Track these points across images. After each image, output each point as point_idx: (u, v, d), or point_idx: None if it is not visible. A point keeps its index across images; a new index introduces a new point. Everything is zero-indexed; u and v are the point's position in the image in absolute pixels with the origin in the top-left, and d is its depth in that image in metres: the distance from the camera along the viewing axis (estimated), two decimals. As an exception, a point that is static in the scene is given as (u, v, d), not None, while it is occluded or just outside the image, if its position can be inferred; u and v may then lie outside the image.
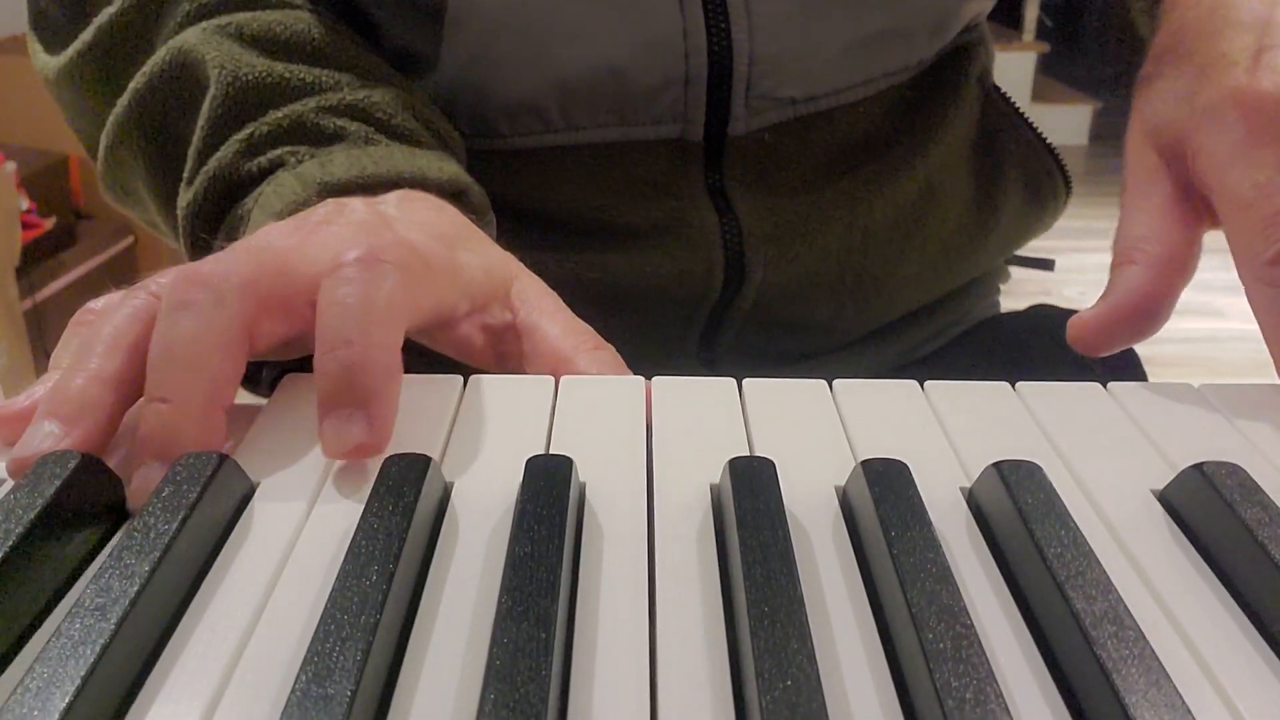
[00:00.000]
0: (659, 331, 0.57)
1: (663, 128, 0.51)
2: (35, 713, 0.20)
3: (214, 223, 0.42)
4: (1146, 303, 0.36)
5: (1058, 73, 3.61)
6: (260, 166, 0.41)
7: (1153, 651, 0.22)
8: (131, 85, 0.44)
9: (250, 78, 0.42)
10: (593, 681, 0.22)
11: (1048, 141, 0.61)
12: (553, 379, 0.34)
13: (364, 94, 0.43)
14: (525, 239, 0.54)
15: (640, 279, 0.54)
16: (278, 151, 0.41)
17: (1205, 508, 0.27)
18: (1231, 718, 0.22)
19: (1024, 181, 0.61)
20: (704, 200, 0.53)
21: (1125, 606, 0.23)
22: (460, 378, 0.34)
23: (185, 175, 0.43)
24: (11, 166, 1.94)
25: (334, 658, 0.21)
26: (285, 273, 0.31)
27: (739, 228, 0.53)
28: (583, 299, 0.55)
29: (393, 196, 0.39)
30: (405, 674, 0.22)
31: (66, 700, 0.20)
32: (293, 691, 0.20)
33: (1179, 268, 0.37)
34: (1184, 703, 0.21)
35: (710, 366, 0.59)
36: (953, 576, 0.24)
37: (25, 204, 1.95)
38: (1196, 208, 0.38)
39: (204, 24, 0.44)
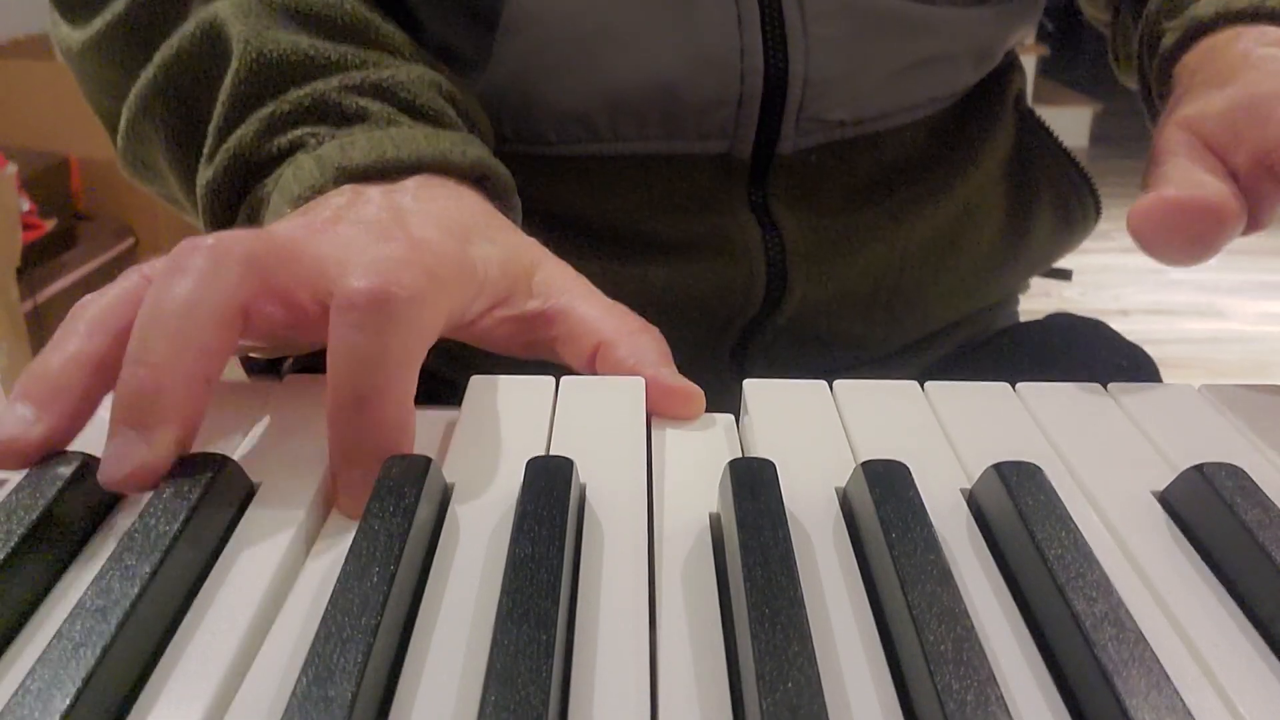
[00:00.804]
0: (693, 342, 0.56)
1: (710, 144, 0.51)
2: (36, 714, 0.20)
3: (234, 201, 0.42)
4: (1215, 205, 0.35)
5: (1058, 75, 3.61)
6: (280, 147, 0.40)
7: (1153, 653, 0.22)
8: (158, 56, 0.44)
9: (275, 53, 0.41)
10: (593, 683, 0.22)
11: (1080, 164, 0.61)
12: (552, 379, 0.34)
13: (389, 73, 0.42)
14: (566, 247, 0.54)
15: (680, 291, 0.54)
16: (299, 132, 0.40)
17: (1206, 509, 0.27)
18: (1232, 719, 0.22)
19: (1056, 204, 0.61)
20: (747, 216, 0.53)
21: (1126, 608, 0.23)
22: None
23: (206, 151, 0.42)
24: (12, 168, 1.94)
25: (335, 659, 0.21)
26: (293, 261, 0.31)
27: (782, 243, 0.53)
28: None
29: (411, 184, 0.38)
30: (406, 675, 0.22)
31: (67, 702, 0.20)
32: (294, 693, 0.20)
33: (1240, 206, 0.35)
34: (1184, 705, 0.21)
35: (740, 378, 0.59)
36: (953, 578, 0.24)
37: (26, 205, 1.96)
38: (1239, 193, 0.37)
39: None
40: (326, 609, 0.22)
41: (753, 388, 0.34)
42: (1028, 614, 0.25)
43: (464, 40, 0.50)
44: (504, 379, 0.34)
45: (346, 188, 0.37)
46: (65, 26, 0.49)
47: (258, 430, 0.31)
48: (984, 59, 0.56)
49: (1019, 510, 0.26)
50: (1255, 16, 0.42)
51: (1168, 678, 0.21)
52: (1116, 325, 0.65)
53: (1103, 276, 2.49)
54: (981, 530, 0.28)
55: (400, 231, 0.34)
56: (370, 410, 0.29)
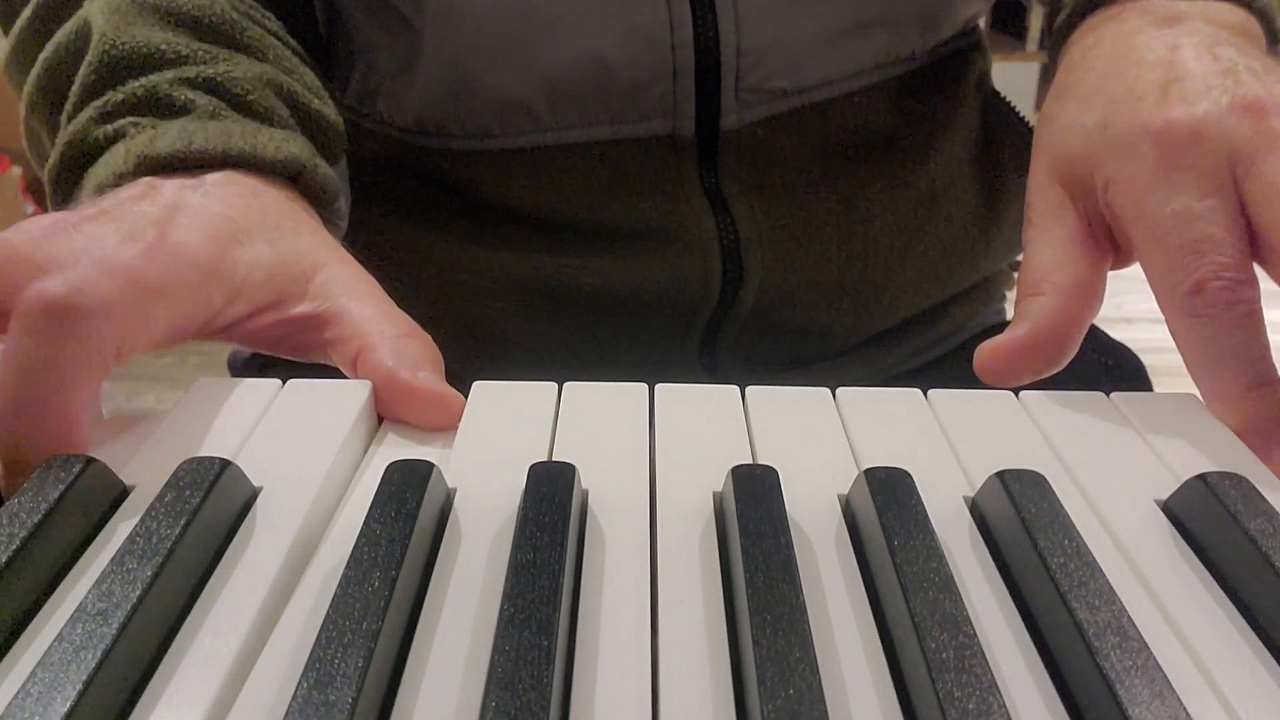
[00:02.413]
0: (659, 337, 0.57)
1: (654, 123, 0.51)
2: (37, 717, 0.20)
3: (71, 188, 0.42)
4: (1056, 331, 0.36)
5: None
6: (107, 135, 0.41)
7: (1156, 662, 0.22)
8: (40, 55, 0.45)
9: (126, 47, 0.42)
10: (594, 689, 0.22)
11: None
12: (555, 385, 0.34)
13: (226, 68, 0.43)
14: (521, 242, 0.54)
15: (638, 284, 0.54)
16: (124, 121, 0.41)
17: (1209, 518, 0.27)
18: (1235, 729, 0.22)
19: (1026, 187, 0.61)
20: (700, 201, 0.53)
21: (1129, 617, 0.23)
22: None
23: (56, 140, 0.43)
24: (17, 171, 1.95)
25: (336, 664, 0.21)
26: (7, 266, 0.31)
27: (735, 231, 0.53)
28: (581, 306, 0.55)
29: (211, 178, 0.38)
30: (407, 681, 0.22)
31: (68, 705, 0.20)
32: (294, 698, 0.20)
33: (1086, 299, 0.36)
34: (1188, 713, 0.21)
35: (711, 372, 0.59)
36: (956, 586, 0.24)
37: (30, 209, 1.96)
38: (1101, 242, 0.37)
39: None
40: (328, 613, 0.22)
41: (756, 396, 0.34)
42: (1030, 622, 0.25)
43: (397, 40, 0.51)
44: (507, 384, 0.34)
45: (144, 180, 0.38)
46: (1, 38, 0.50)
47: (259, 434, 0.31)
48: (930, 25, 0.55)
49: (1022, 518, 0.26)
50: None
51: (1170, 686, 0.21)
52: (1118, 333, 0.64)
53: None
54: (984, 538, 0.28)
55: (153, 232, 0.34)
56: (30, 419, 0.29)
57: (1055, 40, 0.47)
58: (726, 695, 0.22)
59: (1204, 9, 0.40)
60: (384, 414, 0.34)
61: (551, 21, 0.49)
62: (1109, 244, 0.38)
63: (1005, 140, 0.60)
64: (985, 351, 0.36)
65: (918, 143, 0.56)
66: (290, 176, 0.41)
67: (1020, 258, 0.66)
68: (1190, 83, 0.36)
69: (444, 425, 0.33)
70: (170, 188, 0.37)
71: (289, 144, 0.41)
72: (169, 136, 0.39)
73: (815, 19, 0.50)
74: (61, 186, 0.42)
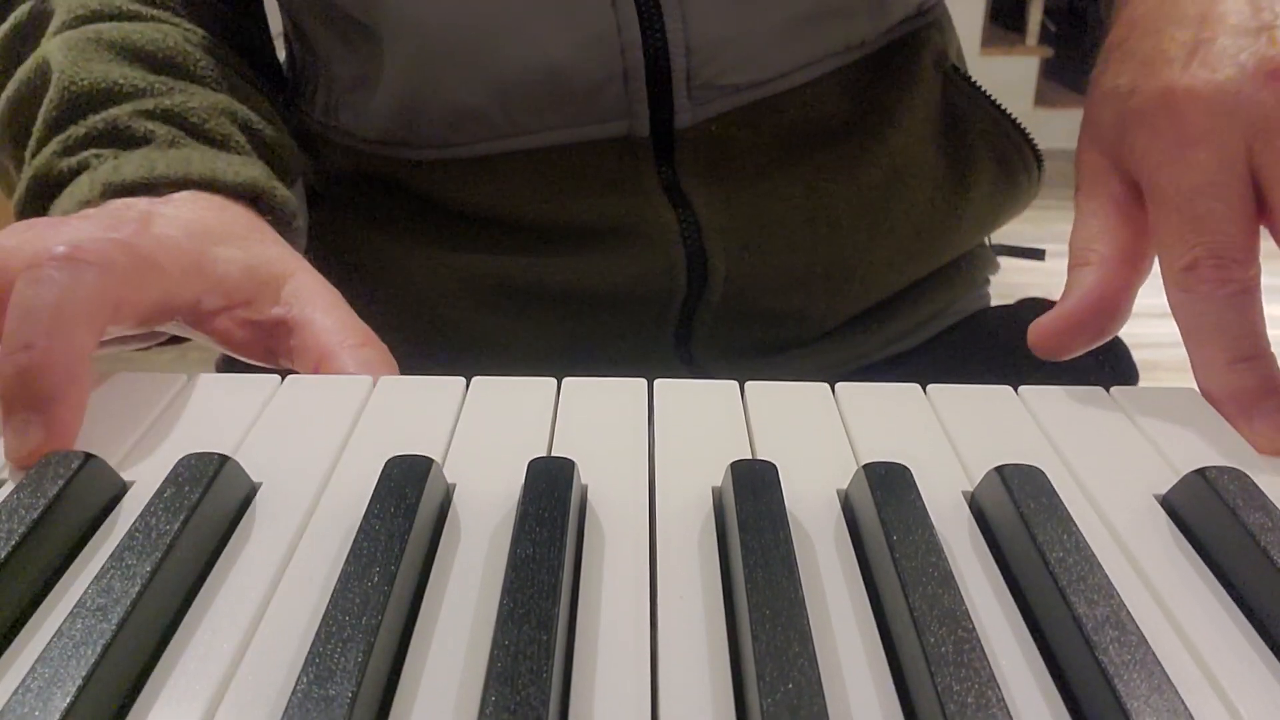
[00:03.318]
0: (632, 331, 0.57)
1: (609, 125, 0.51)
2: (36, 713, 0.20)
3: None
4: (1103, 303, 0.36)
5: (1061, 77, 3.61)
6: (70, 168, 0.42)
7: (1155, 656, 0.22)
8: (3, 94, 0.46)
9: (85, 82, 0.43)
10: (594, 684, 0.22)
11: (1013, 117, 0.61)
12: (554, 381, 0.34)
13: (182, 99, 0.44)
14: (486, 246, 0.54)
15: (605, 281, 0.54)
16: (86, 153, 0.42)
17: (1208, 512, 0.27)
18: (1234, 723, 0.22)
19: (994, 159, 0.61)
20: (659, 197, 0.53)
21: (1127, 611, 0.23)
22: (463, 379, 0.34)
23: (21, 175, 0.44)
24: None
25: (335, 659, 0.21)
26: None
27: (697, 223, 0.53)
28: (551, 304, 0.55)
29: (178, 197, 0.40)
30: (406, 676, 0.22)
31: (68, 700, 0.20)
32: (294, 692, 0.20)
33: (1132, 265, 0.36)
34: (1186, 707, 0.21)
35: (688, 364, 0.59)
36: (954, 580, 0.24)
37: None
38: (1140, 216, 0.37)
39: (69, 33, 0.45)
40: (327, 608, 0.22)
41: (755, 390, 0.34)
42: (1029, 616, 0.25)
43: (357, 54, 0.52)
44: (506, 380, 0.34)
45: (114, 200, 0.39)
46: None
47: (258, 430, 0.31)
48: (880, 10, 0.55)
49: (1021, 513, 0.26)
50: None
51: (1169, 680, 0.21)
52: (1116, 328, 0.64)
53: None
54: (983, 533, 0.28)
55: (135, 224, 0.36)
56: (34, 354, 0.29)
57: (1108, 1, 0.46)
58: (726, 690, 0.22)
59: None
60: None
61: (503, 30, 0.49)
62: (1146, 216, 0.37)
63: (968, 113, 0.60)
64: (1037, 330, 0.37)
65: (875, 124, 0.56)
66: (250, 199, 0.42)
67: (1007, 243, 0.66)
68: (1219, 44, 0.35)
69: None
70: (141, 203, 0.38)
71: (247, 168, 0.43)
72: (131, 164, 0.40)
73: (764, 14, 0.50)
74: (25, 217, 0.43)
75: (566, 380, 0.34)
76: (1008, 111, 0.61)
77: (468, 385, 0.34)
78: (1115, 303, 0.36)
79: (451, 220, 0.55)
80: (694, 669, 0.22)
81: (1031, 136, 0.61)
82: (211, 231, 0.38)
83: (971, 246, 0.64)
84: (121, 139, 0.42)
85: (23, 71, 0.45)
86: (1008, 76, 3.19)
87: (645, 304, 0.55)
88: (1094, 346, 0.37)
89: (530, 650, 0.21)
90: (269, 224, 0.43)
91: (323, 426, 0.31)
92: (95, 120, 0.43)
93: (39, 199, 0.43)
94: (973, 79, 0.61)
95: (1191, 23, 0.37)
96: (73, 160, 0.42)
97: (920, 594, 0.23)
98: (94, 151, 0.42)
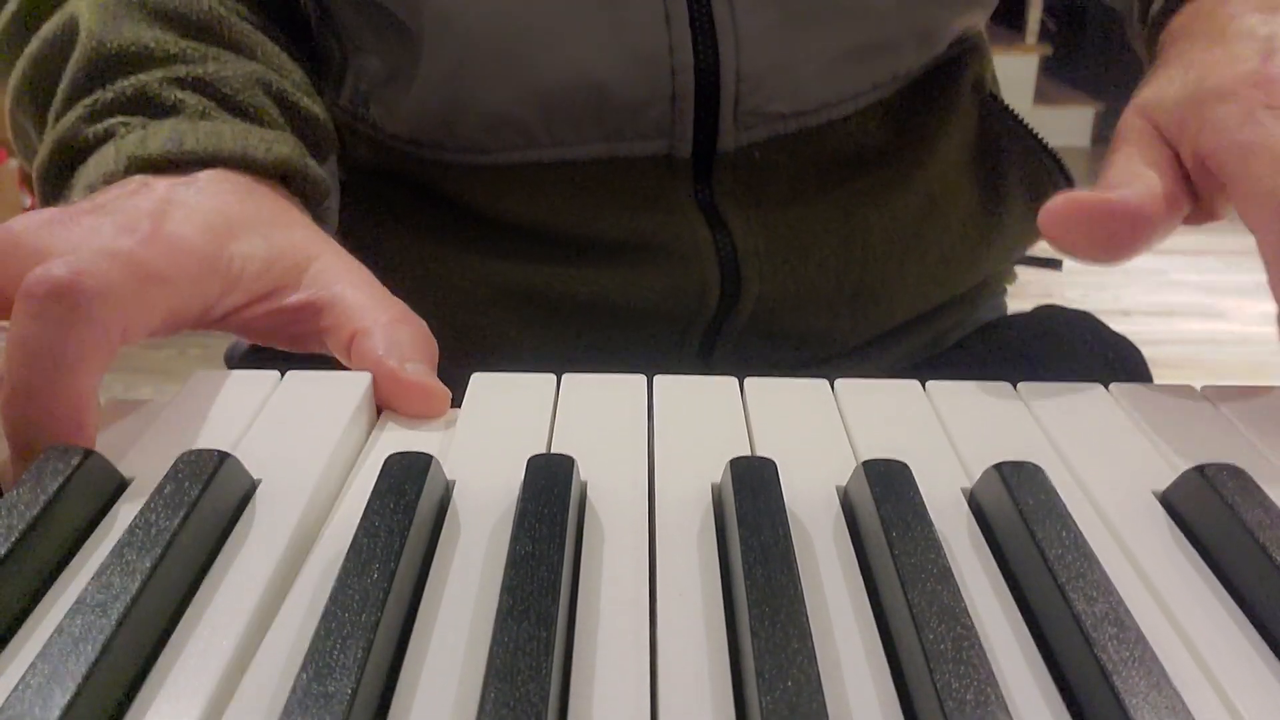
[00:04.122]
0: (656, 345, 0.56)
1: (649, 144, 0.51)
2: (36, 710, 0.20)
3: (60, 186, 0.42)
4: (1128, 210, 0.34)
5: (1060, 75, 3.61)
6: (96, 134, 0.41)
7: (1154, 653, 0.22)
8: (26, 50, 0.45)
9: (114, 45, 0.42)
10: (593, 681, 0.22)
11: (1049, 146, 0.61)
12: (554, 377, 0.34)
13: (215, 68, 0.43)
14: (514, 252, 0.54)
15: (634, 295, 0.54)
16: (114, 120, 0.41)
17: (1206, 509, 0.27)
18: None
19: (1026, 186, 0.60)
20: (695, 215, 0.52)
21: (1126, 608, 0.23)
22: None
23: (44, 137, 0.43)
24: (14, 164, 1.94)
25: (335, 656, 0.21)
26: (8, 255, 0.31)
27: (732, 243, 0.53)
28: (577, 314, 0.55)
29: (202, 177, 0.38)
30: (406, 672, 0.22)
31: (67, 697, 0.20)
32: (293, 689, 0.20)
33: (1170, 208, 0.35)
34: (1185, 705, 0.21)
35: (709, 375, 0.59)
36: (953, 577, 0.24)
37: (28, 201, 1.96)
38: (1183, 185, 0.37)
39: None
40: (326, 605, 0.22)
41: (754, 387, 0.34)
42: (1028, 613, 0.25)
43: (391, 51, 0.51)
44: (506, 376, 0.34)
45: (136, 178, 0.38)
46: None
47: (258, 426, 0.31)
48: (926, 43, 0.55)
49: (1020, 510, 0.26)
50: None
51: (1167, 677, 0.21)
52: (1117, 325, 0.64)
53: (1104, 277, 2.49)
54: (982, 530, 0.28)
55: (149, 224, 0.34)
56: (40, 402, 0.29)
57: (1152, 27, 0.46)
58: (725, 687, 0.22)
59: None
60: (376, 402, 0.34)
61: (549, 40, 0.48)
62: (1191, 189, 0.37)
63: (1003, 141, 0.60)
64: (1048, 208, 0.35)
65: (914, 153, 0.56)
66: (280, 177, 0.41)
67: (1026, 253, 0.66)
68: None
69: (429, 415, 0.33)
70: (163, 185, 0.37)
71: (279, 145, 0.41)
72: (159, 137, 0.39)
73: (815, 44, 0.50)
74: (49, 184, 0.42)
75: (566, 376, 0.34)
76: (1043, 139, 0.61)
77: (467, 382, 0.34)
78: (1140, 220, 0.34)
79: (481, 225, 0.54)
80: (693, 666, 0.22)
81: (1066, 164, 0.61)
82: (232, 223, 0.37)
83: (996, 271, 0.64)
84: (150, 107, 0.41)
85: (48, 29, 0.44)
86: (1007, 74, 3.19)
87: (672, 320, 0.55)
88: (1093, 254, 0.35)
89: (530, 647, 0.21)
90: (297, 204, 0.41)
91: (322, 422, 0.31)
92: (124, 85, 0.41)
93: (62, 165, 0.42)
94: (1008, 105, 0.61)
95: (1259, 40, 0.37)
96: (99, 127, 0.41)
97: (919, 591, 0.23)
98: (121, 119, 0.41)
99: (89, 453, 0.27)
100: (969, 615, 0.23)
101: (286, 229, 0.39)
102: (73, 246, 0.32)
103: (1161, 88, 0.39)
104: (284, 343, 0.38)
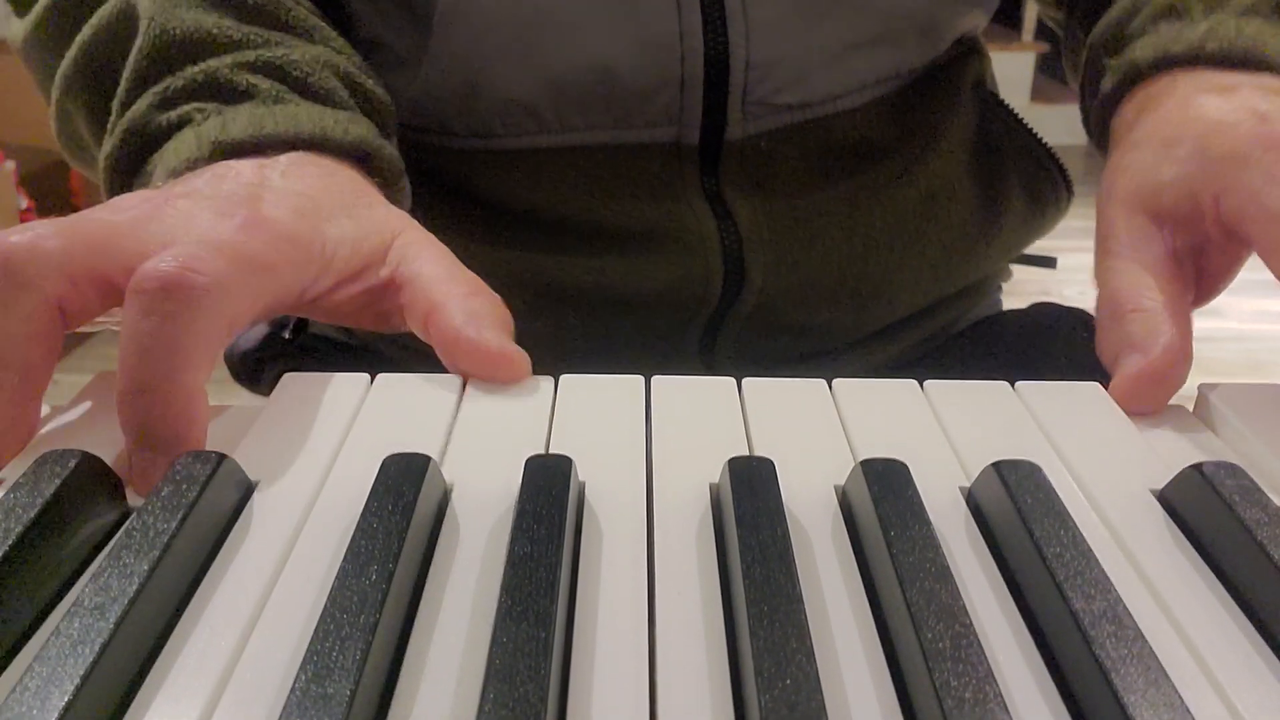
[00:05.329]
0: (658, 335, 0.57)
1: (658, 131, 0.51)
2: (34, 712, 0.20)
3: (131, 175, 0.42)
4: (1184, 352, 0.35)
5: (1057, 73, 3.61)
6: (170, 121, 0.41)
7: (1152, 651, 0.22)
8: (78, 37, 0.44)
9: (178, 31, 0.42)
10: (592, 681, 0.22)
11: (1048, 146, 0.61)
12: (551, 378, 0.34)
13: (283, 51, 0.43)
14: (517, 239, 0.54)
15: (638, 283, 0.54)
16: (188, 107, 0.41)
17: (1204, 507, 0.27)
18: (1230, 717, 0.22)
19: (1025, 186, 0.61)
20: (701, 204, 0.53)
21: (1124, 606, 0.23)
22: (460, 377, 0.34)
23: (109, 127, 0.43)
24: (11, 165, 1.94)
25: (333, 657, 0.21)
26: (104, 251, 0.31)
27: (737, 232, 0.53)
28: (579, 302, 0.55)
29: (284, 159, 0.38)
30: (405, 673, 0.22)
31: (65, 699, 0.20)
32: (292, 691, 0.20)
33: (1187, 315, 0.36)
34: (1183, 702, 0.21)
35: (710, 369, 0.59)
36: (952, 576, 0.24)
37: (24, 203, 1.95)
38: (1187, 275, 0.38)
39: None
40: (325, 606, 0.22)
41: (752, 387, 0.34)
42: (1026, 612, 0.25)
43: (400, 34, 0.51)
44: (503, 377, 0.34)
45: (220, 163, 0.38)
46: (15, 20, 0.50)
47: (255, 427, 0.31)
48: (928, 39, 0.55)
49: (1018, 508, 0.26)
50: (1194, 61, 0.42)
51: (1166, 675, 0.21)
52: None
53: (1101, 275, 2.49)
54: (980, 528, 0.28)
55: (245, 209, 0.34)
56: (154, 398, 0.29)
57: (1101, 108, 0.46)
58: (724, 686, 0.22)
59: (1254, 79, 0.41)
60: (454, 371, 0.35)
61: (561, 25, 0.48)
62: (1192, 277, 0.38)
63: (1003, 139, 0.61)
64: (1124, 392, 0.35)
65: (916, 147, 0.56)
66: (358, 158, 0.41)
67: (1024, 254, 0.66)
68: None
69: (510, 379, 0.34)
70: (249, 169, 0.37)
71: (355, 126, 0.41)
72: (239, 122, 0.39)
73: (822, 35, 0.50)
74: (119, 174, 0.42)
75: (564, 377, 0.34)
76: (1043, 140, 0.61)
77: (465, 382, 0.34)
78: (1187, 351, 0.35)
79: (485, 211, 0.54)
80: (692, 666, 0.22)
81: (1065, 165, 0.61)
82: (321, 207, 0.37)
83: (994, 269, 0.64)
84: (223, 92, 0.41)
85: (102, 16, 0.44)
86: (1004, 72, 3.18)
87: (674, 310, 0.55)
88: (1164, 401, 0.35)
89: (528, 647, 0.21)
90: (375, 184, 0.41)
91: (320, 424, 0.31)
92: (194, 72, 0.41)
93: (134, 153, 0.41)
94: (1008, 105, 0.62)
95: (1235, 110, 0.38)
96: (173, 114, 0.41)
97: (917, 589, 0.23)
98: (195, 105, 0.41)
99: (85, 455, 0.27)
100: (967, 614, 0.23)
101: (370, 209, 0.39)
102: (173, 234, 0.32)
103: (1148, 172, 0.39)
104: (369, 323, 0.38)
